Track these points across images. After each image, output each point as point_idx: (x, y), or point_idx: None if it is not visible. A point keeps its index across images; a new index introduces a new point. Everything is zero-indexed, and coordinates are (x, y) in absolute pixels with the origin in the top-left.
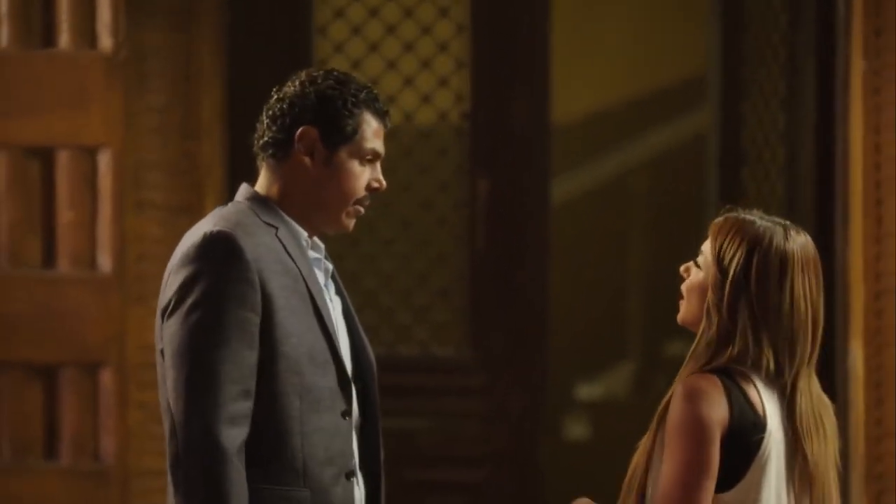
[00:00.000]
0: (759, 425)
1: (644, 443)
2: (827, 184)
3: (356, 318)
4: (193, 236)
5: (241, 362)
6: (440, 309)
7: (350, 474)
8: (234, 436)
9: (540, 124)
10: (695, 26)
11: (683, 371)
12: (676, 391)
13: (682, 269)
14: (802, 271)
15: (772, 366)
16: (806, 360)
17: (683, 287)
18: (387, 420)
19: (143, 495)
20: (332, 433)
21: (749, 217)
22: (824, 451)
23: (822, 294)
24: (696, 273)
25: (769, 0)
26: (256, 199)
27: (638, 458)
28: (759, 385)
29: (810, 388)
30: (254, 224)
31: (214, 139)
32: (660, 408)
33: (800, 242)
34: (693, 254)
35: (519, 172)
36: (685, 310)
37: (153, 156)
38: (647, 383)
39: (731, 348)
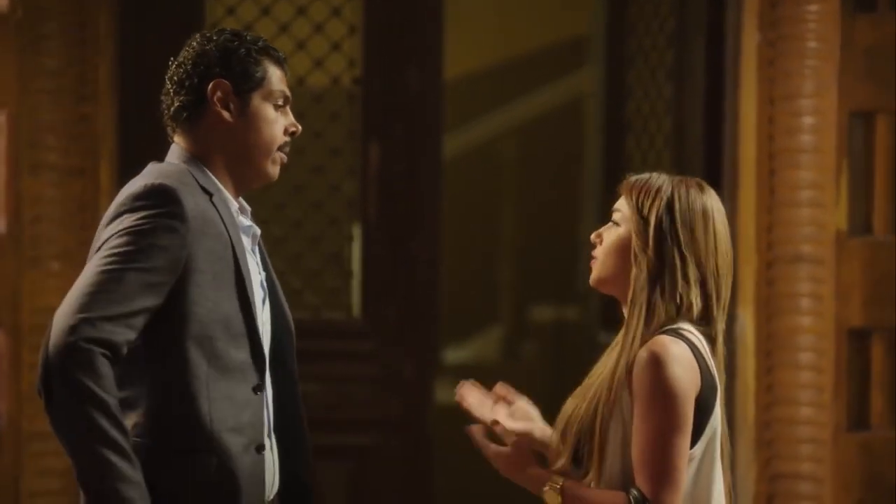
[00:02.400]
0: (715, 385)
1: (578, 405)
2: (716, 154)
3: (278, 286)
4: (132, 188)
5: (132, 296)
6: (331, 274)
7: (260, 447)
8: (92, 338)
9: (432, 90)
10: None
11: (632, 333)
12: (648, 355)
13: (592, 236)
14: (722, 219)
15: (699, 305)
16: (725, 305)
17: (599, 250)
18: None
19: (37, 458)
20: (242, 405)
21: (655, 174)
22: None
23: None
24: (614, 230)
25: None
26: (192, 162)
27: (571, 419)
28: (699, 340)
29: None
30: (192, 186)
31: (109, 103)
32: (614, 369)
33: (714, 194)
34: (566, 220)
35: (411, 138)
36: (601, 268)
37: (49, 118)
38: (516, 347)
39: (664, 289)
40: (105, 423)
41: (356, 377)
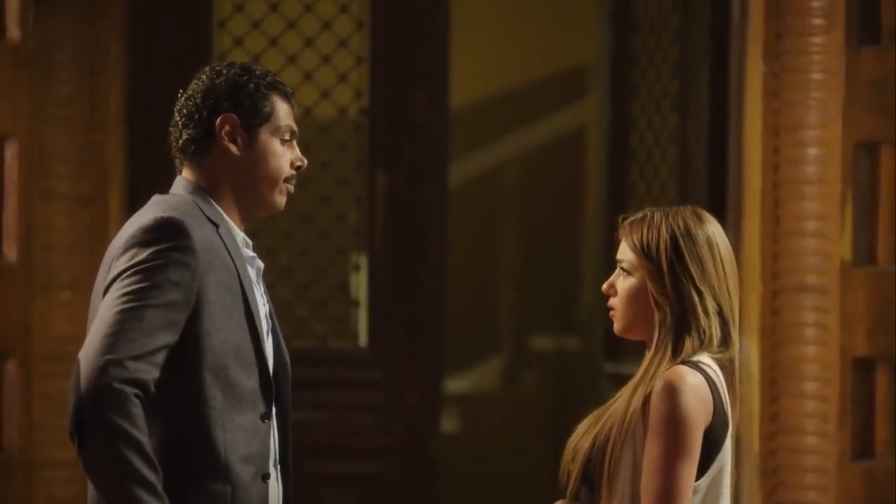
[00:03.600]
0: (727, 420)
1: (590, 431)
2: (720, 184)
3: (276, 320)
4: (140, 220)
5: (152, 334)
6: (337, 303)
7: (266, 476)
8: (124, 378)
9: (438, 120)
10: (574, 19)
11: (654, 367)
12: (664, 384)
13: (604, 287)
14: (724, 241)
15: (718, 334)
16: (737, 320)
17: (615, 301)
18: None
19: (47, 486)
20: (252, 433)
21: (649, 212)
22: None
23: None
24: (626, 280)
25: (660, 1)
26: (198, 194)
27: (580, 445)
28: (717, 374)
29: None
30: (199, 217)
31: (119, 131)
32: (630, 398)
33: (710, 219)
34: (568, 249)
35: (417, 168)
36: (623, 319)
37: (60, 146)
38: (516, 377)
39: (689, 326)
40: (140, 464)
41: (362, 405)
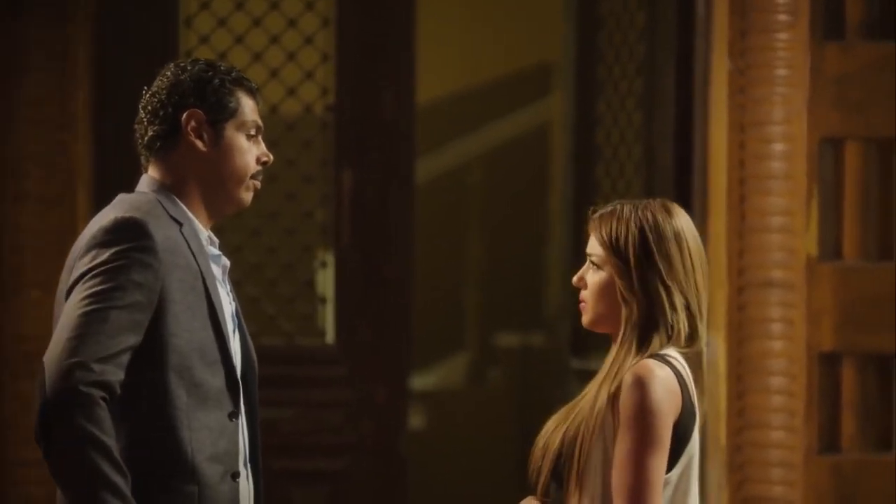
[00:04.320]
0: (695, 412)
1: (559, 427)
2: (686, 180)
3: (242, 319)
4: (102, 220)
5: (117, 335)
6: (304, 300)
7: (235, 475)
8: (89, 381)
9: (405, 116)
10: (539, 16)
11: (619, 362)
12: (633, 378)
13: (574, 280)
14: (693, 234)
15: (686, 329)
16: (706, 315)
17: (586, 293)
18: None
19: (20, 485)
20: (219, 432)
21: (618, 205)
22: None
23: None
24: (595, 274)
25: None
26: (162, 192)
27: (549, 441)
28: (684, 367)
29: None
30: (162, 216)
31: (86, 132)
32: (597, 393)
33: (680, 211)
34: (532, 246)
35: (384, 165)
36: (593, 312)
37: (29, 148)
38: (483, 373)
39: (657, 322)
40: (106, 468)
41: (330, 402)
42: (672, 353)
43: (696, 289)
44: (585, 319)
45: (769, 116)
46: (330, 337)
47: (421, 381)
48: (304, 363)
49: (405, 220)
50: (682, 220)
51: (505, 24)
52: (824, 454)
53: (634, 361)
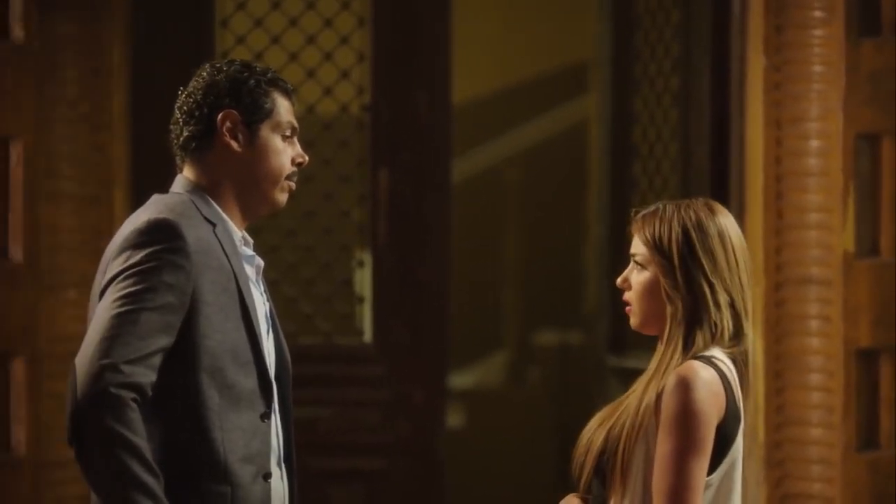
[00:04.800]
0: (739, 416)
1: (604, 424)
2: (723, 178)
3: (277, 320)
4: (135, 222)
5: (148, 337)
6: (342, 299)
7: (268, 475)
8: (120, 383)
9: (441, 115)
10: (575, 15)
11: (666, 362)
12: (677, 379)
13: (619, 281)
14: (737, 232)
15: (730, 327)
16: (750, 313)
17: (630, 295)
18: None
19: (55, 486)
20: (252, 433)
21: (661, 205)
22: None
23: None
24: (640, 274)
25: None
26: (196, 193)
27: (593, 438)
28: (729, 369)
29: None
30: (195, 217)
31: (123, 132)
32: (642, 394)
33: (722, 210)
34: (571, 244)
35: (420, 163)
36: (640, 313)
37: (64, 147)
38: (521, 372)
39: (701, 320)
40: (137, 468)
41: (367, 402)
42: (718, 354)
43: (741, 286)
44: (634, 321)
45: (805, 113)
46: (367, 336)
47: (459, 381)
48: (341, 362)
49: (441, 219)
50: (726, 219)
51: (541, 23)
52: (863, 451)
53: (679, 362)
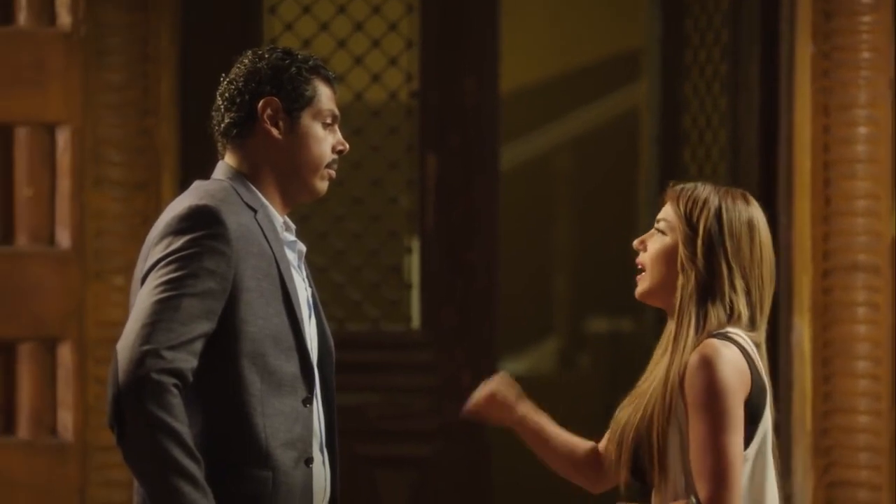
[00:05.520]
0: (765, 388)
1: (631, 417)
2: (771, 165)
3: (320, 306)
4: (177, 208)
5: (189, 323)
6: (390, 285)
7: (309, 460)
8: (161, 369)
9: (489, 102)
10: (625, 1)
11: (682, 340)
12: (699, 358)
13: (635, 243)
14: (766, 231)
15: (746, 314)
16: (767, 314)
17: (645, 257)
18: (338, 396)
19: (102, 470)
20: (294, 418)
21: (700, 184)
22: None
23: None
24: (659, 239)
25: None
26: (237, 179)
27: (624, 433)
28: (749, 344)
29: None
30: (237, 203)
31: (171, 117)
32: (665, 377)
33: (758, 206)
34: (621, 231)
35: (468, 150)
36: (649, 279)
37: (112, 133)
38: (572, 359)
39: (714, 296)
40: (179, 455)
41: (416, 388)
42: (736, 330)
43: (761, 280)
44: (641, 287)
45: (854, 100)
46: (416, 322)
47: (511, 367)
48: (389, 349)
49: (489, 205)
50: (759, 213)
51: (590, 10)
52: None
53: (697, 340)
